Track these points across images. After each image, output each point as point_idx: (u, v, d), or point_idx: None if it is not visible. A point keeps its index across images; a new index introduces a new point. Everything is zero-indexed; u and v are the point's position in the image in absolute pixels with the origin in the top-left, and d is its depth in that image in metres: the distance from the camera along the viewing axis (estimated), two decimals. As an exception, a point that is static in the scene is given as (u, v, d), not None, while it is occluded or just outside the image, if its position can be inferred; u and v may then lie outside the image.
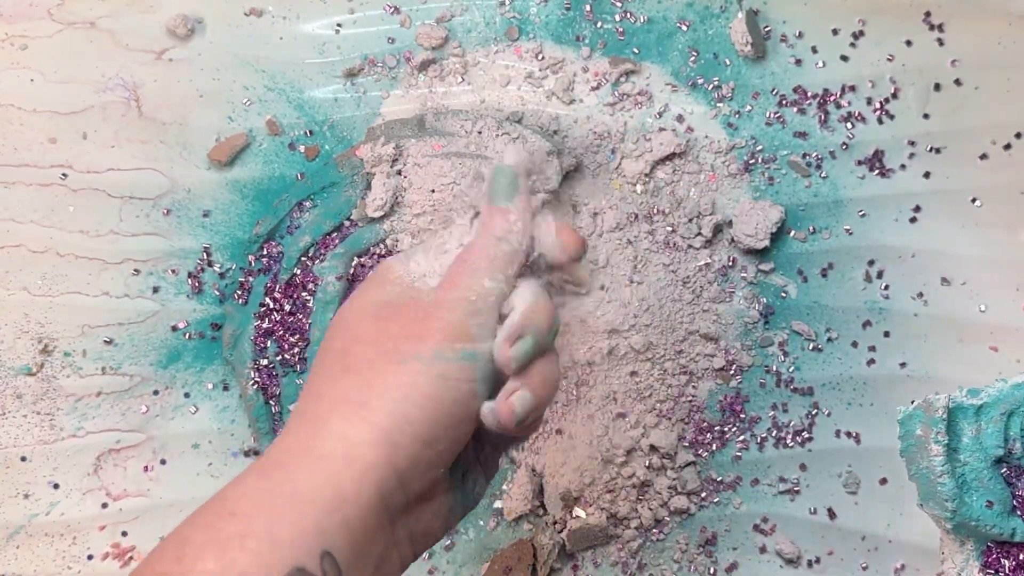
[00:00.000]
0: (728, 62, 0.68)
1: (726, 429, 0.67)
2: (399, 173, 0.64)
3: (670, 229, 0.67)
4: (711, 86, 0.68)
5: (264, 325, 0.65)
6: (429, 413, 0.43)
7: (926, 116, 0.68)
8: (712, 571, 0.66)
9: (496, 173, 0.49)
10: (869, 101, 0.68)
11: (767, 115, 0.68)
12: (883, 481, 0.66)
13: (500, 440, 0.50)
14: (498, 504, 0.66)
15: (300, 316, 0.65)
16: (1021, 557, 0.50)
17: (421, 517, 0.45)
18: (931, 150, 0.68)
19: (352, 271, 0.65)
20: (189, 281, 0.67)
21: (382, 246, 0.65)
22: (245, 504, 0.41)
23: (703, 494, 0.67)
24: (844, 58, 0.68)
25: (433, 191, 0.63)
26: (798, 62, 0.68)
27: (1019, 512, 0.50)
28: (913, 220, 0.67)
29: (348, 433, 0.42)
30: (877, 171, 0.68)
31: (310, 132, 0.67)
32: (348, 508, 0.41)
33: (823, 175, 0.68)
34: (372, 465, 0.42)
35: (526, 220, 0.49)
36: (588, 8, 0.68)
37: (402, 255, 0.50)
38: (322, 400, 0.44)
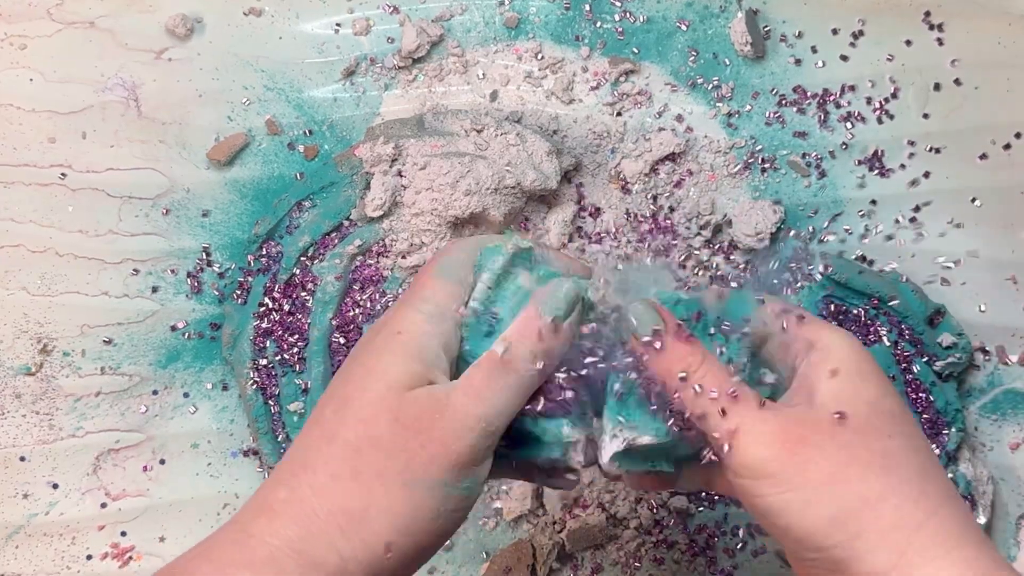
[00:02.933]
0: (728, 62, 0.68)
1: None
2: (398, 173, 0.64)
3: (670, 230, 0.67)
4: (711, 86, 0.68)
5: (263, 325, 0.65)
6: (421, 546, 0.43)
7: (926, 116, 0.68)
8: (711, 571, 0.66)
9: (557, 284, 0.47)
10: (869, 101, 0.68)
11: (767, 115, 0.68)
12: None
13: None
14: (497, 504, 0.66)
15: (299, 316, 0.65)
16: None
17: None
18: (931, 150, 0.68)
19: (352, 271, 0.65)
20: (188, 281, 0.67)
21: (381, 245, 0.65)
22: None
23: (702, 494, 0.67)
24: (844, 58, 0.68)
25: (432, 191, 0.63)
26: (798, 62, 0.68)
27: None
28: (913, 220, 0.67)
29: (342, 549, 0.42)
30: (877, 171, 0.68)
31: (309, 132, 0.67)
32: None
33: (823, 175, 0.68)
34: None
35: (563, 346, 0.46)
36: (588, 8, 0.68)
37: (426, 314, 0.46)
38: (321, 496, 0.42)
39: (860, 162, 0.68)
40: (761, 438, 0.43)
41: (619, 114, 0.68)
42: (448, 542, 0.66)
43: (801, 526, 0.42)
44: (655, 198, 0.67)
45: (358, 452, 0.43)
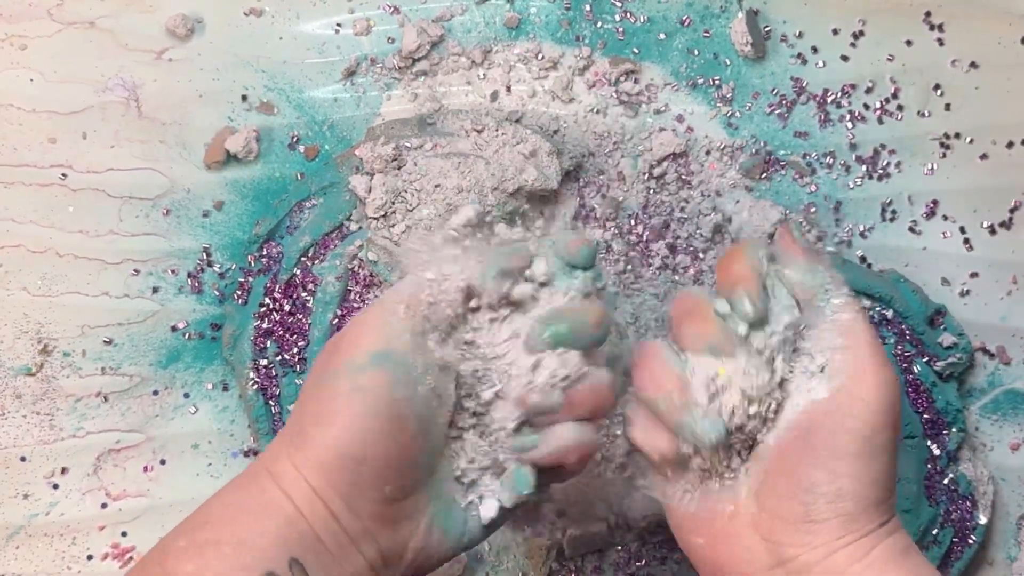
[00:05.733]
0: (728, 62, 0.68)
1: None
2: (399, 171, 0.64)
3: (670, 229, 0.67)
4: (711, 86, 0.68)
5: (264, 325, 0.65)
6: (350, 432, 0.44)
7: (926, 116, 0.68)
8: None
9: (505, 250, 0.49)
10: (869, 101, 0.68)
11: (767, 115, 0.68)
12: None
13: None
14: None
15: (300, 316, 0.65)
16: None
17: (392, 539, 0.46)
18: (932, 150, 0.68)
19: (352, 271, 0.65)
20: (189, 281, 0.67)
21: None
22: (218, 511, 0.45)
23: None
24: (844, 58, 0.68)
25: (435, 189, 0.63)
26: (798, 62, 0.68)
27: None
28: (913, 220, 0.67)
29: (295, 459, 0.45)
30: (877, 171, 0.68)
31: (310, 132, 0.67)
32: (307, 523, 0.44)
33: (823, 175, 0.68)
34: (317, 488, 0.44)
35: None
36: (588, 8, 0.68)
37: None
38: (284, 429, 0.47)
39: (860, 162, 0.68)
40: (887, 373, 0.46)
41: (620, 114, 0.68)
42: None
43: (856, 465, 0.45)
44: (655, 198, 0.67)
45: (306, 387, 0.47)
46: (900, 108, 0.68)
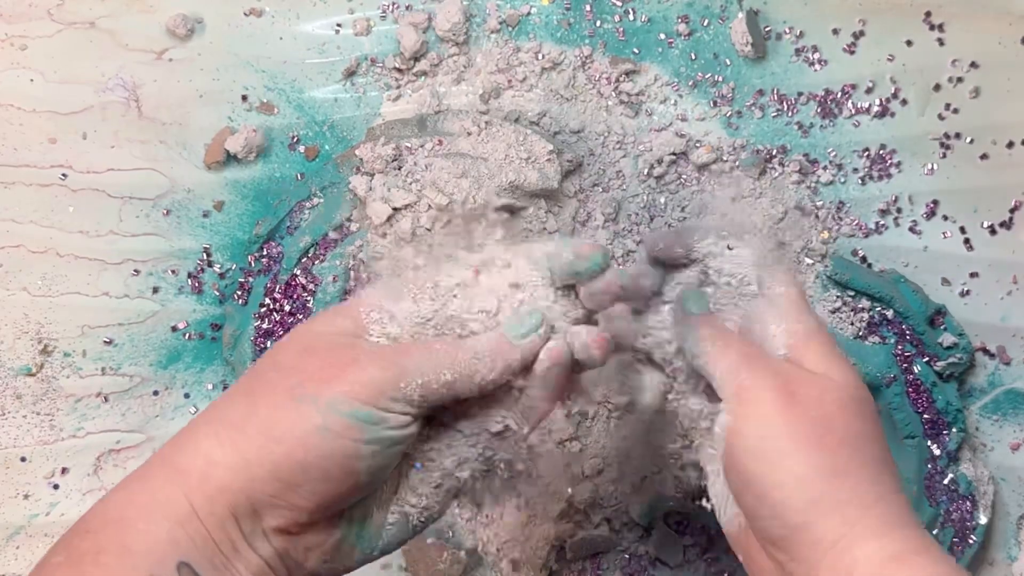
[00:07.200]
0: (728, 62, 0.68)
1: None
2: (399, 171, 0.64)
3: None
4: (711, 86, 0.68)
5: (264, 326, 0.65)
6: (297, 459, 0.42)
7: (927, 116, 0.68)
8: (711, 572, 0.66)
9: (529, 312, 0.47)
10: (869, 101, 0.68)
11: (767, 115, 0.68)
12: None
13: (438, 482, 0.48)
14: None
15: (300, 316, 0.65)
16: None
17: (292, 548, 0.44)
18: (932, 150, 0.68)
19: (351, 271, 0.65)
20: (189, 281, 0.67)
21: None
22: (100, 519, 0.42)
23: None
24: (845, 58, 0.68)
25: (433, 191, 0.63)
26: (799, 62, 0.68)
27: None
28: (913, 220, 0.68)
29: (211, 453, 0.42)
30: (877, 171, 0.68)
31: (310, 132, 0.67)
32: (201, 523, 0.42)
33: (823, 175, 0.68)
34: (226, 487, 0.42)
35: (516, 368, 0.46)
36: (588, 8, 0.68)
37: (374, 291, 0.47)
38: (207, 411, 0.44)
39: (860, 162, 0.68)
40: (763, 382, 0.44)
41: (620, 114, 0.68)
42: (449, 542, 0.66)
43: (771, 477, 0.43)
44: (655, 198, 0.67)
45: (259, 375, 0.45)
46: (900, 108, 0.68)
